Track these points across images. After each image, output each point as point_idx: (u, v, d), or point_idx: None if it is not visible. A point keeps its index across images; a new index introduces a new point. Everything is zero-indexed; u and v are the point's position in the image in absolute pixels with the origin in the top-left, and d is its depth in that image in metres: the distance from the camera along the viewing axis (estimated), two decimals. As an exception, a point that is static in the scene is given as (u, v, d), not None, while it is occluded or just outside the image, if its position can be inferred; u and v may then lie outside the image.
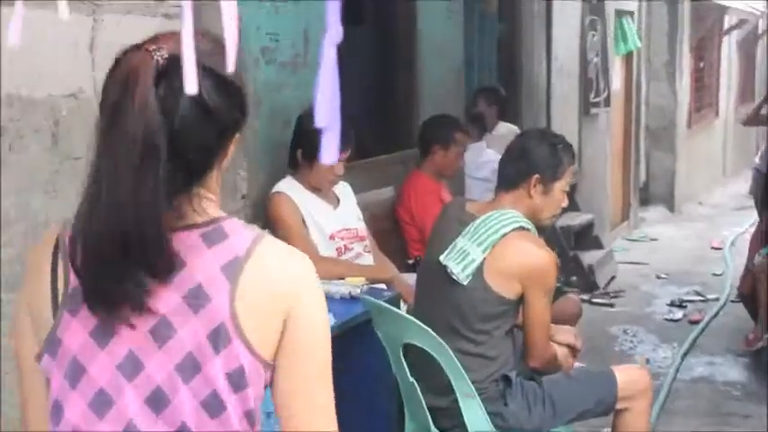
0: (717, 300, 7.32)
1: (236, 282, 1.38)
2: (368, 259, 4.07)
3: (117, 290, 1.34)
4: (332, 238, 3.93)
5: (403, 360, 3.07)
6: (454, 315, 3.03)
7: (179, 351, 1.37)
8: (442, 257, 3.04)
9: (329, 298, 3.51)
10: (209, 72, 1.36)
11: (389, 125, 5.64)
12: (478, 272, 2.97)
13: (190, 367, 1.37)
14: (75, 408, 1.39)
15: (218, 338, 1.37)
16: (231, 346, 1.37)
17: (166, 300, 1.37)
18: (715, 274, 8.35)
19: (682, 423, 4.81)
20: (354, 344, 3.37)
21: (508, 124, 6.97)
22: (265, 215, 3.94)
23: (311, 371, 1.45)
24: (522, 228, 3.02)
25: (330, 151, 1.06)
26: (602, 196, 9.38)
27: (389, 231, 4.98)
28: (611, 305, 7.30)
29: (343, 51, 1.07)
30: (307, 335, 1.44)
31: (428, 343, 2.96)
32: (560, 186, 3.12)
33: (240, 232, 1.43)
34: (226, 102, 1.41)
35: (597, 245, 8.41)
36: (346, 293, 3.50)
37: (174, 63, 1.25)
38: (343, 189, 4.15)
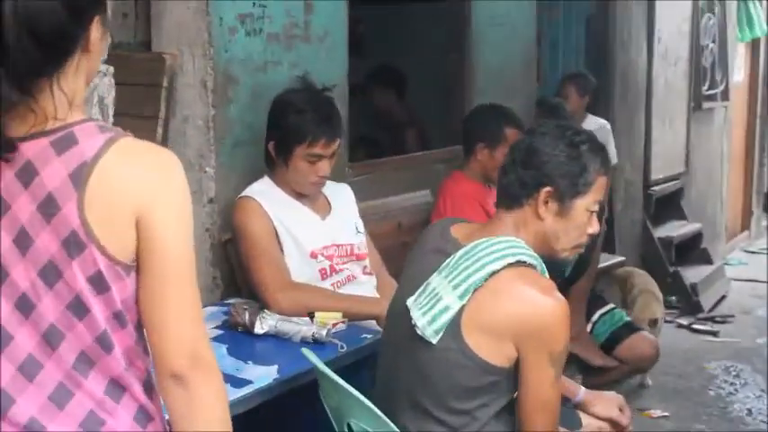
0: None
1: (84, 188, 1.40)
2: (366, 285, 3.17)
3: None
4: (313, 255, 3.05)
5: (352, 443, 2.18)
6: (420, 385, 2.12)
7: (39, 258, 1.42)
8: (409, 301, 2.14)
9: (287, 341, 2.66)
10: None
11: (434, 115, 4.73)
12: (454, 326, 2.05)
13: (52, 273, 1.42)
14: None
15: (70, 246, 1.41)
16: (86, 251, 1.41)
17: (24, 209, 1.41)
18: None
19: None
20: (310, 405, 2.50)
21: (599, 119, 5.97)
22: (231, 225, 3.10)
23: (171, 277, 1.46)
24: (520, 263, 2.08)
25: None
26: (715, 203, 8.19)
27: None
28: (715, 333, 6.16)
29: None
30: (162, 241, 1.45)
31: (378, 428, 2.05)
32: (585, 204, 2.17)
33: (92, 136, 1.44)
34: None
35: (705, 259, 7.28)
36: (308, 336, 2.63)
37: None
38: (340, 193, 3.28)
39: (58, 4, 1.39)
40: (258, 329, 2.70)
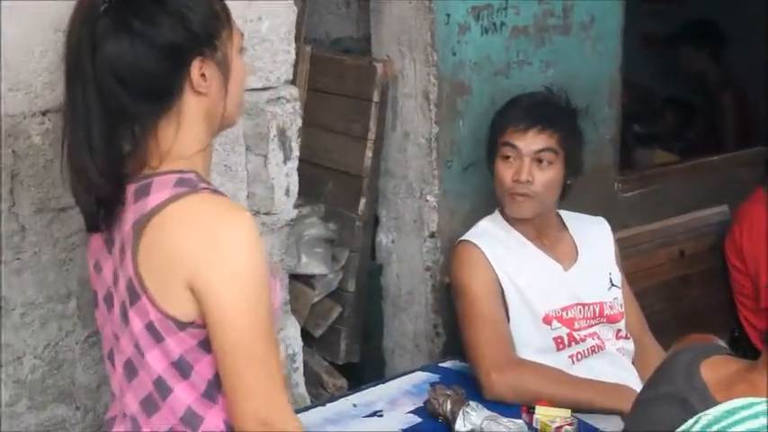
0: None
1: (139, 239, 1.42)
2: (615, 357, 2.47)
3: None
4: (547, 321, 2.41)
5: None
6: None
7: (120, 298, 1.47)
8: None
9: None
10: None
11: (739, 108, 3.83)
12: None
13: (124, 316, 1.47)
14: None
15: (130, 293, 1.44)
16: (141, 301, 1.43)
17: (116, 250, 1.47)
18: None
19: None
20: None
21: None
22: (449, 273, 2.54)
23: (230, 346, 1.40)
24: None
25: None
26: None
27: (714, 277, 3.26)
28: None
29: None
30: (216, 309, 1.40)
31: None
32: None
33: (164, 189, 1.43)
34: (156, 20, 1.40)
35: None
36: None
37: None
38: (592, 231, 2.59)
39: (141, 47, 1.39)
40: (460, 426, 2.13)
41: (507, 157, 2.39)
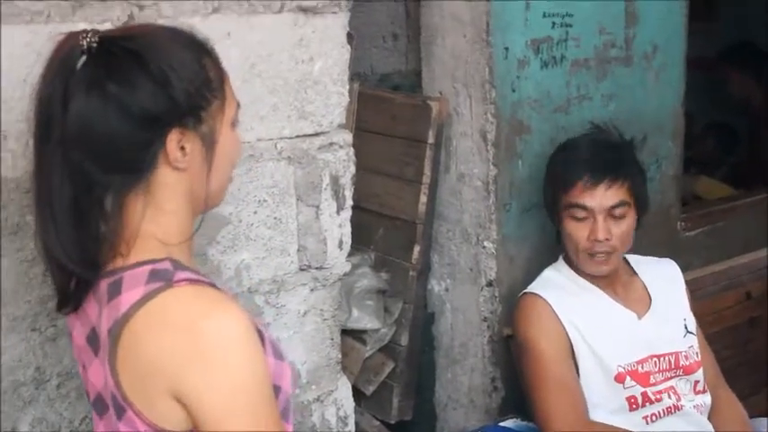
0: None
1: (116, 350, 1.24)
2: (694, 417, 2.28)
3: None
4: (620, 379, 2.22)
5: None
6: None
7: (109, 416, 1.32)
8: None
9: None
10: (120, 50, 1.23)
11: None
12: None
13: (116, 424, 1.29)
14: None
15: (117, 407, 1.27)
16: (127, 415, 1.26)
17: (102, 354, 1.29)
18: None
19: None
20: None
21: None
22: (512, 326, 2.36)
23: None
24: None
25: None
26: None
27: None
28: None
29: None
30: (208, 422, 1.21)
31: None
32: None
33: (135, 286, 1.25)
34: (134, 83, 1.22)
35: None
36: None
37: (100, 48, 1.23)
38: (661, 274, 2.42)
39: (113, 112, 1.22)
40: (532, 500, 1.96)
41: (577, 217, 2.23)
